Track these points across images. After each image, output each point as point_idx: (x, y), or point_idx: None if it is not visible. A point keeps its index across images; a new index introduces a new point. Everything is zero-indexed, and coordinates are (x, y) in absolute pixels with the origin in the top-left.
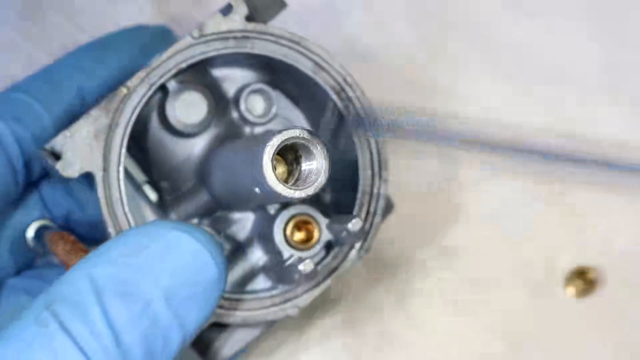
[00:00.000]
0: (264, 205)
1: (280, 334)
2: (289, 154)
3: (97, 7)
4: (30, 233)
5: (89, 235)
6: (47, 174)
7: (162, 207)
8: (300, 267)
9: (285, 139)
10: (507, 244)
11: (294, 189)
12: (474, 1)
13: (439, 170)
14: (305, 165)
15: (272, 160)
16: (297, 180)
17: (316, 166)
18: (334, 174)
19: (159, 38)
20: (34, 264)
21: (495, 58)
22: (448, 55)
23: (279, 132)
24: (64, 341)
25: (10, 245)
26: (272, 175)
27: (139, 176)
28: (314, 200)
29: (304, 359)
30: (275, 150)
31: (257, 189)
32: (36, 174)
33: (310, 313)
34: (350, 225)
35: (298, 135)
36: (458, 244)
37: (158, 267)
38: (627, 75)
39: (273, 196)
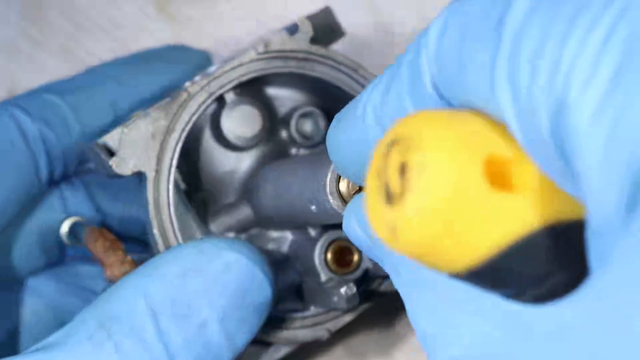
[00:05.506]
0: (315, 224)
1: None
2: None
3: (97, 7)
4: (64, 229)
5: None
6: (66, 177)
7: (202, 217)
8: (343, 290)
9: None
10: None
11: None
12: None
13: None
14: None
15: (336, 176)
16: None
17: None
18: None
19: (200, 62)
20: (63, 260)
21: None
22: None
23: None
24: None
25: (37, 241)
26: (335, 191)
27: (183, 184)
28: None
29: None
30: None
31: (313, 207)
32: (57, 174)
33: None
34: None
35: None
36: None
37: (214, 289)
38: None
39: (329, 214)
